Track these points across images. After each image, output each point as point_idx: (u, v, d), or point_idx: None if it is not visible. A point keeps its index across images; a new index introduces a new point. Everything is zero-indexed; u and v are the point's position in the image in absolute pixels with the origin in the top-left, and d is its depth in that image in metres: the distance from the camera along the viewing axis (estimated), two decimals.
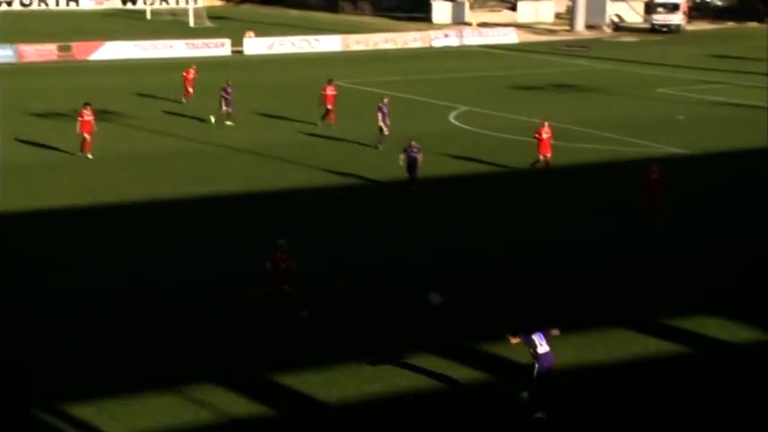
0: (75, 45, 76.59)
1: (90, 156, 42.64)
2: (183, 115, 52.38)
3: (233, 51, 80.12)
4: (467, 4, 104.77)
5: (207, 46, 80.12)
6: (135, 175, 40.63)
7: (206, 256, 30.65)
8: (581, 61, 75.98)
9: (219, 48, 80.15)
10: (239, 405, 21.29)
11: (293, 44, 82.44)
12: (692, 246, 32.03)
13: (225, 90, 50.58)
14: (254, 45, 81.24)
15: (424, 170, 37.91)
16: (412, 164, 37.64)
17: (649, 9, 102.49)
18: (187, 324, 25.61)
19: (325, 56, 79.19)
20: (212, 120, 49.99)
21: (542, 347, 20.52)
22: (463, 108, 54.92)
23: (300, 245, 28.07)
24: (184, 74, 56.55)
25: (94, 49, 76.24)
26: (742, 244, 32.17)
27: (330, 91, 49.34)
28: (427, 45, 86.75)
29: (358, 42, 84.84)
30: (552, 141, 40.38)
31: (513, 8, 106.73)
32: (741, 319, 25.71)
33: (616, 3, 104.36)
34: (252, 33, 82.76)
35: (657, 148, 44.85)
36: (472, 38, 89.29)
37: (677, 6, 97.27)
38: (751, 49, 78.06)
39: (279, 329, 25.19)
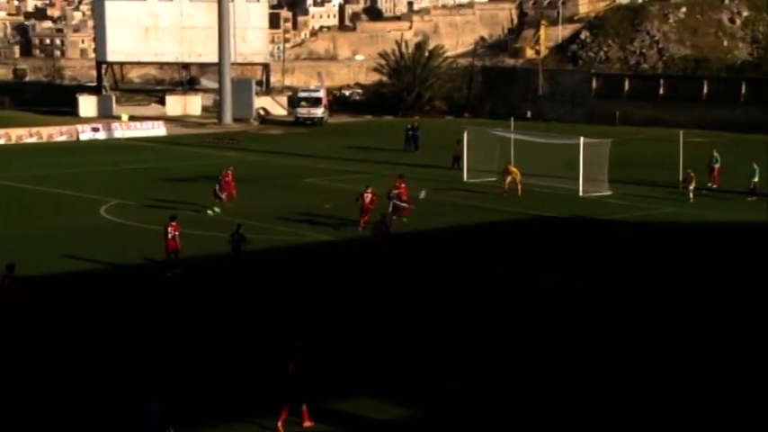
0: None
1: None
2: None
3: None
4: (113, 98, 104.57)
5: None
6: None
7: None
8: (230, 153, 77.37)
9: None
10: None
11: None
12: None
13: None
14: None
15: (69, 266, 37.38)
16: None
17: (293, 103, 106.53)
18: None
19: None
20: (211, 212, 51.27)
21: None
22: (114, 201, 54.59)
23: None
24: (227, 179, 53.50)
25: None
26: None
27: (370, 194, 48.00)
28: (74, 139, 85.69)
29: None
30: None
31: (162, 102, 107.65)
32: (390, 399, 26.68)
33: (262, 97, 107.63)
34: None
35: (308, 236, 46.44)
36: (121, 131, 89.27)
37: (319, 100, 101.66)
38: (388, 140, 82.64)
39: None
